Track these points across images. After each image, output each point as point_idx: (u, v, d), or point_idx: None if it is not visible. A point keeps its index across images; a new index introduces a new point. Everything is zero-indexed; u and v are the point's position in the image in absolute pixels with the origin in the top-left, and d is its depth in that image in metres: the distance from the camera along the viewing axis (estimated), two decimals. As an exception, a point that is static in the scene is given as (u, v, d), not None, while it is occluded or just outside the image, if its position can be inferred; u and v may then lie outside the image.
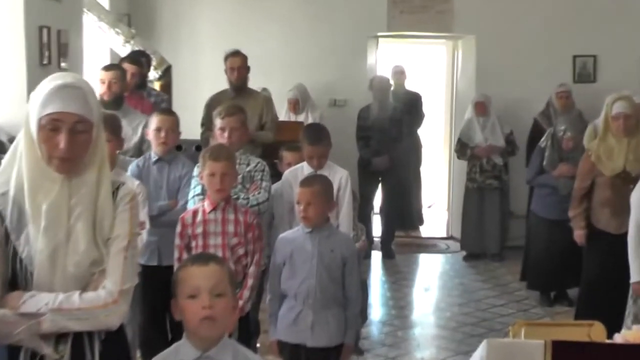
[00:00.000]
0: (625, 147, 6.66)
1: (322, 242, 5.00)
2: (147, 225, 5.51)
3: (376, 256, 10.36)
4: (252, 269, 5.24)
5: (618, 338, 4.02)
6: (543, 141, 8.47)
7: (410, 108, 11.37)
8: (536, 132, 9.64)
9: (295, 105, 10.22)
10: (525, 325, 4.21)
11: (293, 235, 5.14)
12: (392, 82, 11.43)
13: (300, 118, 10.08)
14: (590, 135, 8.15)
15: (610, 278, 6.56)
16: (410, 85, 12.05)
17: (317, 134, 6.16)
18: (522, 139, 10.14)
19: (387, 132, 10.21)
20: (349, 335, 5.08)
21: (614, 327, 6.06)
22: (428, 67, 13.20)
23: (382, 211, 10.67)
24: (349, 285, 5.06)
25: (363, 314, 6.76)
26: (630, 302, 6.19)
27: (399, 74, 11.93)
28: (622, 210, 6.30)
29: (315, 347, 5.00)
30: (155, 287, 5.51)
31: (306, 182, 5.17)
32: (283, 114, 10.10)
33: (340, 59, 10.83)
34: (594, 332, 4.14)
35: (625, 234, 6.10)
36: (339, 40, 10.82)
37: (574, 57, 10.91)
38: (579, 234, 7.00)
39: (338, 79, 10.85)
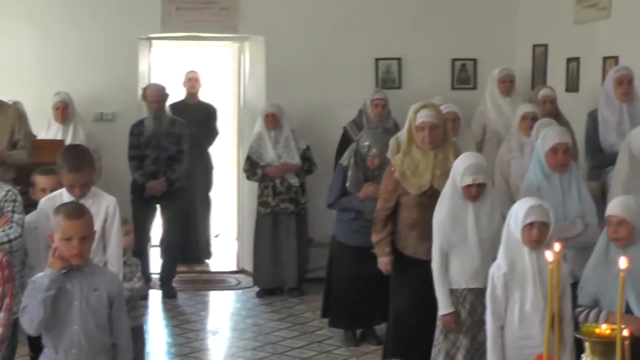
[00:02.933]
0: (431, 161, 6.87)
1: (83, 281, 4.97)
2: None
3: (155, 296, 10.32)
4: (1, 316, 5.16)
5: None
6: (345, 159, 8.64)
7: (201, 122, 11.43)
8: (346, 144, 9.69)
9: (64, 111, 9.90)
10: (322, 368, 4.33)
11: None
12: (184, 90, 11.55)
13: (69, 130, 9.80)
14: (394, 149, 8.33)
15: (420, 310, 6.75)
16: (203, 95, 12.10)
17: (78, 159, 6.04)
18: (322, 154, 10.32)
19: (165, 151, 10.21)
20: (120, 390, 5.08)
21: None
22: (211, 73, 13.26)
23: (162, 243, 10.66)
24: (118, 330, 5.06)
25: (139, 365, 6.73)
26: (440, 337, 6.41)
27: (193, 81, 11.94)
28: (431, 233, 6.51)
29: (81, 406, 4.97)
30: None
31: (76, 213, 5.09)
32: (44, 130, 9.86)
33: (106, 65, 10.71)
34: (399, 372, 4.31)
35: (436, 260, 6.38)
36: (104, 43, 10.71)
37: (377, 60, 11.20)
38: (383, 261, 7.17)
39: (104, 89, 10.72)
